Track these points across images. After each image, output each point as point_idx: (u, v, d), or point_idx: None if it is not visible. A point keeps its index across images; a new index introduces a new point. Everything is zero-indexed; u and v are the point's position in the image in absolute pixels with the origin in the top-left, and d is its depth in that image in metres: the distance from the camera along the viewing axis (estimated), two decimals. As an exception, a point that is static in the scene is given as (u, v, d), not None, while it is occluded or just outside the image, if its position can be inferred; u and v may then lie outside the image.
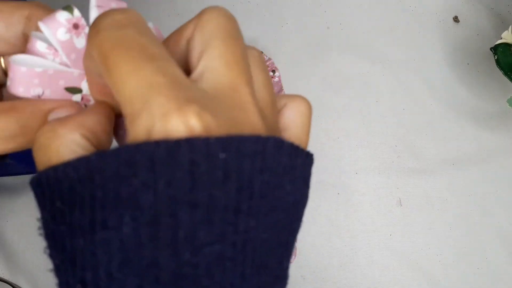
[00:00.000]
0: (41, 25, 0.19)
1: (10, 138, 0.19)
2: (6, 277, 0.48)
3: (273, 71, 0.52)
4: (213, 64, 0.17)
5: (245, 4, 0.58)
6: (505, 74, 0.48)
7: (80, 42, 0.20)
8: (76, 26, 0.20)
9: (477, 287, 0.51)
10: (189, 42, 0.19)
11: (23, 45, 0.21)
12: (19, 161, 0.47)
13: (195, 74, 0.17)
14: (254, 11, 0.58)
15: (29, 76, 0.19)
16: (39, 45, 0.19)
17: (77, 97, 0.21)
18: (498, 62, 0.49)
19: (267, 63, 0.52)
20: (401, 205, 0.52)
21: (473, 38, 0.58)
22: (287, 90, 0.54)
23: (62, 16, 0.19)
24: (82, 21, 0.20)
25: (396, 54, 0.57)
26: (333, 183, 0.52)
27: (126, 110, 0.15)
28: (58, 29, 0.19)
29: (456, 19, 0.59)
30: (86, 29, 0.19)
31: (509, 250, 0.52)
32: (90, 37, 0.17)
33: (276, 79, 0.52)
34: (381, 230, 0.51)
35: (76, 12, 0.19)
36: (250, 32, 0.57)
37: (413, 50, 0.57)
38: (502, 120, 0.56)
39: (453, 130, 0.55)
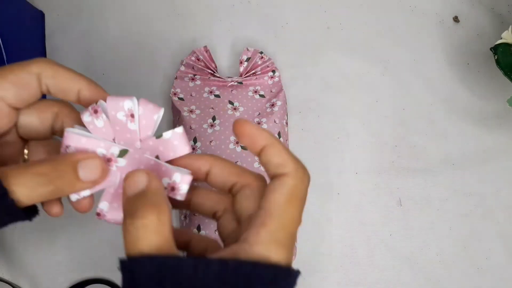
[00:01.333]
0: (109, 100, 0.26)
1: (43, 184, 0.23)
2: (6, 277, 0.48)
3: (273, 71, 0.52)
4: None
5: (245, 4, 0.58)
6: (505, 74, 0.48)
7: (132, 126, 0.26)
8: (132, 115, 0.26)
9: (477, 287, 0.50)
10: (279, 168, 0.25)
11: (50, 136, 0.28)
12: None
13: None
14: (254, 11, 0.58)
15: (88, 144, 0.26)
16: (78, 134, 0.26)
17: (121, 161, 0.27)
18: (498, 62, 0.49)
19: (267, 63, 0.52)
20: (401, 205, 0.52)
21: (473, 38, 0.58)
22: (287, 90, 0.54)
23: (126, 104, 0.25)
24: (135, 112, 0.26)
25: (396, 54, 0.57)
26: (333, 183, 0.52)
27: (270, 244, 0.22)
28: (118, 112, 0.26)
29: (456, 19, 0.59)
30: (136, 117, 0.26)
31: (509, 250, 0.52)
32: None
33: (276, 79, 0.52)
34: (381, 230, 0.51)
35: (135, 105, 0.26)
36: (250, 32, 0.57)
37: (413, 50, 0.57)
38: (502, 120, 0.56)
39: (453, 130, 0.55)
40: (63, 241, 0.49)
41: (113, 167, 0.27)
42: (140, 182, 0.23)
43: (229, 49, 0.56)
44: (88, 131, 0.26)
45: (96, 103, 0.26)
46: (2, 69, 0.25)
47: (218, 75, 0.50)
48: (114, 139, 0.27)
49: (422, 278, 0.50)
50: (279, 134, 0.49)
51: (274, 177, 0.24)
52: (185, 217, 0.46)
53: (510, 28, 0.49)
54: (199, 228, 0.44)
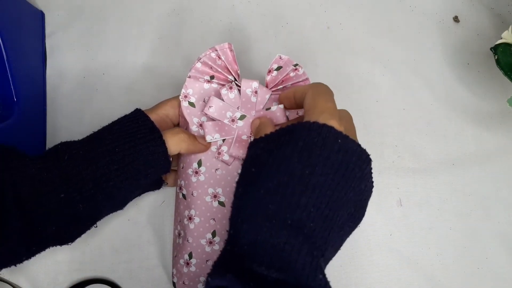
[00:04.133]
0: (243, 81, 0.43)
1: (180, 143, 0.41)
2: (6, 277, 0.48)
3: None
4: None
5: (245, 4, 0.58)
6: (505, 74, 0.48)
7: (253, 99, 0.43)
8: (256, 92, 0.43)
9: (477, 287, 0.51)
10: (303, 95, 0.38)
11: (177, 120, 0.46)
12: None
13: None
14: (254, 11, 0.58)
15: (223, 107, 0.43)
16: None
17: (240, 123, 0.44)
18: (498, 62, 0.49)
19: (301, 78, 0.45)
20: (401, 205, 0.52)
21: (473, 38, 0.58)
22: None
23: (253, 84, 0.43)
24: (258, 90, 0.43)
25: (396, 54, 0.57)
26: (333, 183, 0.52)
27: (313, 114, 0.34)
28: (247, 89, 0.43)
29: (456, 19, 0.59)
30: (258, 94, 0.43)
31: (509, 250, 0.52)
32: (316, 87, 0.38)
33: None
34: (381, 230, 0.51)
35: (258, 87, 0.43)
36: (250, 32, 0.57)
37: (413, 50, 0.57)
38: (502, 120, 0.56)
39: (453, 130, 0.55)
40: (63, 241, 0.49)
41: (234, 126, 0.43)
42: (257, 122, 0.42)
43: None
44: (223, 101, 0.43)
45: (231, 82, 0.43)
46: (159, 105, 0.45)
47: (238, 84, 0.44)
48: (238, 107, 0.43)
49: (422, 278, 0.50)
50: None
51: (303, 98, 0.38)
52: (179, 235, 0.45)
53: (510, 28, 0.49)
54: (190, 255, 0.43)
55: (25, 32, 0.51)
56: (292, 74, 0.44)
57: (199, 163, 0.43)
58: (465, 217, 0.52)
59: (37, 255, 0.39)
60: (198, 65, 0.44)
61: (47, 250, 0.39)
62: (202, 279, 0.43)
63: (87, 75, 0.54)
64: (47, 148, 0.52)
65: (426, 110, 0.55)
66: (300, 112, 0.44)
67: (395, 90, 0.56)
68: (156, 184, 0.47)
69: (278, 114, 0.43)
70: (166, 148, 0.39)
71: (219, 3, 0.58)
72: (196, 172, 0.43)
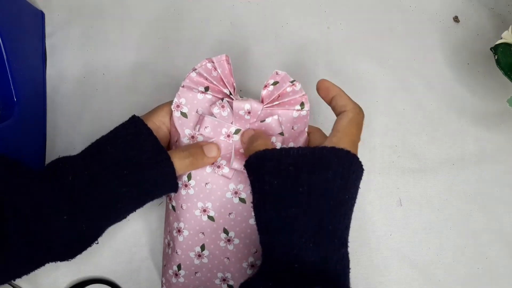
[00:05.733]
0: (234, 103, 0.42)
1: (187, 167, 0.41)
2: (6, 277, 0.48)
3: (302, 104, 0.43)
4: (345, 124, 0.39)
5: (245, 4, 0.58)
6: (505, 74, 0.48)
7: (247, 117, 0.43)
8: (249, 112, 0.42)
9: (477, 287, 0.51)
10: (342, 108, 0.40)
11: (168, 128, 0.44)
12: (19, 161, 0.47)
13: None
14: (254, 11, 0.58)
15: (218, 125, 0.42)
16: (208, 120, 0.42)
17: (236, 137, 0.43)
18: (498, 62, 0.49)
19: (298, 95, 0.42)
20: (401, 205, 0.52)
21: (473, 38, 0.58)
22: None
23: (246, 106, 0.42)
24: (251, 111, 0.42)
25: (396, 54, 0.57)
26: (333, 183, 0.52)
27: (345, 139, 0.37)
28: (240, 110, 0.42)
29: (456, 19, 0.59)
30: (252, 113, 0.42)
31: (509, 250, 0.52)
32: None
33: (304, 112, 0.43)
34: (381, 230, 0.51)
35: (249, 107, 0.42)
36: (250, 32, 0.57)
37: (413, 50, 0.57)
38: (502, 120, 0.56)
39: (453, 130, 0.55)
40: (63, 241, 0.49)
41: (230, 141, 0.43)
42: (250, 132, 0.42)
43: (229, 50, 0.56)
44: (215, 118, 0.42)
45: (222, 100, 0.42)
46: (154, 111, 0.43)
47: (234, 97, 0.42)
48: (232, 122, 0.43)
49: (422, 278, 0.50)
50: None
51: (340, 113, 0.40)
52: (168, 245, 0.45)
53: (510, 28, 0.49)
54: (179, 267, 0.43)
55: (25, 32, 0.51)
56: (289, 90, 0.42)
57: (189, 177, 0.42)
58: (465, 217, 0.52)
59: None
60: (193, 74, 0.42)
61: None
62: None
63: (87, 75, 0.54)
64: (47, 148, 0.52)
65: (426, 110, 0.55)
66: (295, 126, 0.43)
67: (395, 90, 0.56)
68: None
69: (274, 125, 0.42)
70: (174, 170, 0.39)
71: (219, 3, 0.58)
72: (186, 185, 0.42)
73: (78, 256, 0.40)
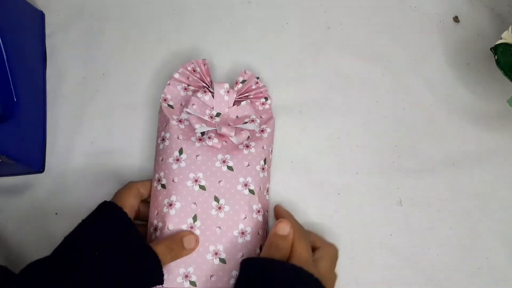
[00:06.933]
0: (215, 83, 0.50)
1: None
2: (6, 277, 0.48)
3: (266, 98, 0.51)
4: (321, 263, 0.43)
5: (245, 4, 0.58)
6: (505, 74, 0.48)
7: (226, 97, 0.50)
8: (228, 91, 0.50)
9: (477, 287, 0.50)
10: (317, 247, 0.46)
11: (137, 204, 0.46)
12: (19, 161, 0.47)
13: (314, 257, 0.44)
14: (254, 11, 0.58)
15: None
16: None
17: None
18: (498, 62, 0.49)
19: (261, 89, 0.51)
20: (401, 205, 0.52)
21: (473, 38, 0.58)
22: (286, 89, 0.54)
23: (225, 85, 0.50)
24: (230, 89, 0.50)
25: (396, 54, 0.57)
26: (333, 183, 0.52)
27: (301, 259, 0.41)
28: (220, 90, 0.49)
29: (456, 19, 0.59)
30: (230, 92, 0.50)
31: (509, 250, 0.52)
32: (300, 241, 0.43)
33: (267, 106, 0.51)
34: (381, 230, 0.51)
35: (228, 86, 0.50)
36: (250, 32, 0.57)
37: (413, 50, 0.57)
38: (502, 120, 0.56)
39: (453, 130, 0.55)
40: (63, 241, 0.49)
41: (213, 121, 0.49)
42: (286, 230, 0.42)
43: (228, 50, 0.56)
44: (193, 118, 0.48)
45: (209, 87, 0.50)
46: (123, 199, 0.44)
47: (212, 90, 0.50)
48: (213, 107, 0.49)
49: (422, 278, 0.50)
50: (265, 160, 0.48)
51: (316, 248, 0.45)
52: (155, 229, 0.45)
53: (510, 28, 0.49)
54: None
55: (25, 32, 0.51)
56: (254, 86, 0.51)
57: (180, 151, 0.46)
58: (465, 217, 0.52)
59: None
60: (177, 75, 0.50)
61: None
62: (182, 271, 0.43)
63: (87, 75, 0.54)
64: (47, 148, 0.52)
65: (426, 110, 0.55)
66: (263, 116, 0.51)
67: (395, 90, 0.56)
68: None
69: (248, 107, 0.50)
70: (162, 267, 0.41)
71: (219, 3, 0.58)
72: (177, 160, 0.46)
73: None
